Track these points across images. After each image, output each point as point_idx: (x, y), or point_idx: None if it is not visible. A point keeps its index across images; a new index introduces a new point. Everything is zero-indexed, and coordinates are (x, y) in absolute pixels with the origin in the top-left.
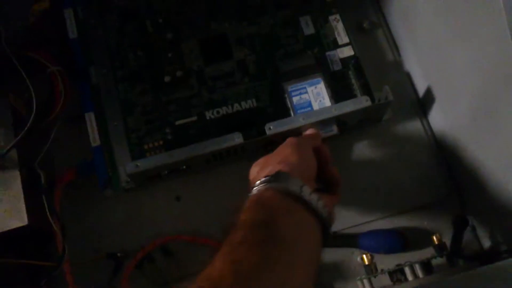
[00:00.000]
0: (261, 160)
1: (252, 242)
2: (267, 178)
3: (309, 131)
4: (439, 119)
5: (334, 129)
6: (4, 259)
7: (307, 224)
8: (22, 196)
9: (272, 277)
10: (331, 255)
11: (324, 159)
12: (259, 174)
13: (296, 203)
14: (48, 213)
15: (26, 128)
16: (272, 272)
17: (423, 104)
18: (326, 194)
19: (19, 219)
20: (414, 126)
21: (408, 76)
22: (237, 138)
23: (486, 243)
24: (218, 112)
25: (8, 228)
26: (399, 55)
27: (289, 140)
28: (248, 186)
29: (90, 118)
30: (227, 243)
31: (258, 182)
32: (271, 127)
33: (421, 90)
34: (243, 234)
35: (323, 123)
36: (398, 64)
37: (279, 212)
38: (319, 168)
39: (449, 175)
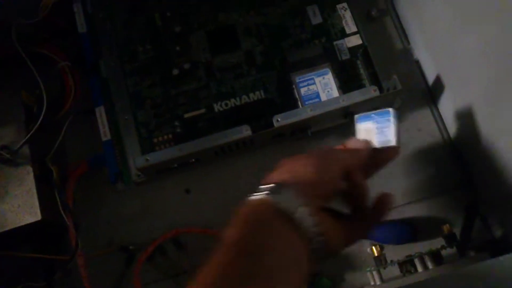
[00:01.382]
0: (283, 161)
1: (234, 273)
2: (266, 187)
3: (352, 143)
4: (449, 107)
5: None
6: (19, 253)
7: (295, 251)
8: (35, 191)
9: None
10: None
11: (354, 183)
12: (267, 178)
13: (289, 224)
14: (60, 208)
15: (37, 124)
16: None
17: (432, 93)
18: (340, 220)
19: (32, 214)
20: (424, 114)
21: (417, 64)
22: (245, 131)
23: (498, 233)
24: (226, 104)
25: (22, 224)
26: (408, 43)
27: (318, 149)
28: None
29: (100, 112)
30: (214, 257)
31: (257, 190)
32: (279, 119)
33: (430, 78)
34: (226, 260)
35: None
36: (407, 53)
37: (268, 233)
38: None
39: (459, 164)
